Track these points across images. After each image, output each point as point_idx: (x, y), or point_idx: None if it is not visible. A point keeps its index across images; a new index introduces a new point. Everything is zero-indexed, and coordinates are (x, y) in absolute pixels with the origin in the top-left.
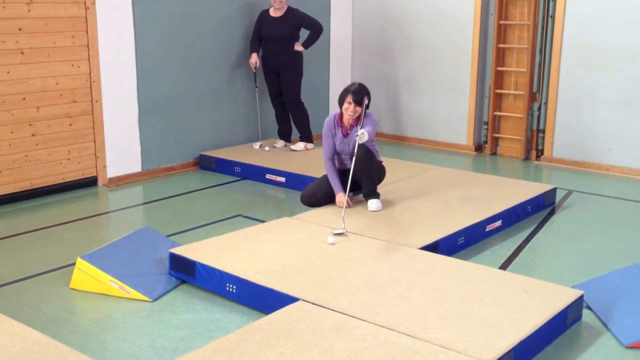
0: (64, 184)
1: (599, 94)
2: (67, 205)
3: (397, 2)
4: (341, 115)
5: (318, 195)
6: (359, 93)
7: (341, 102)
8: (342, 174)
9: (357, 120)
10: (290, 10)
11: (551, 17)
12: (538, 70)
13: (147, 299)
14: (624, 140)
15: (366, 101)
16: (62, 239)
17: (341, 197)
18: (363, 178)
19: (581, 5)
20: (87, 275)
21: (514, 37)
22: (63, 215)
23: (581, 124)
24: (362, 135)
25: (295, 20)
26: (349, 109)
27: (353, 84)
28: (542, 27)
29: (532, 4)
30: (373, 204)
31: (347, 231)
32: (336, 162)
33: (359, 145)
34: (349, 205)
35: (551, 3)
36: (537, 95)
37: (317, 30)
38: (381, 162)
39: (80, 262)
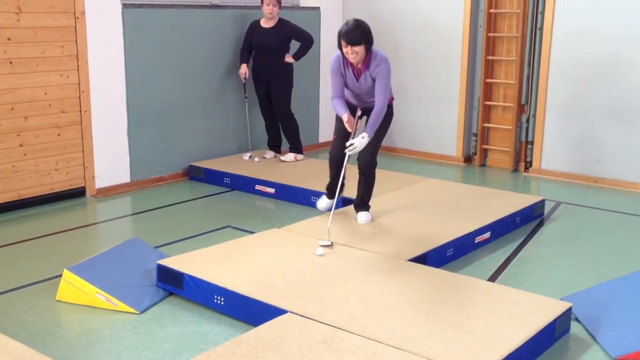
0: (51, 194)
1: (587, 106)
2: (54, 216)
3: (386, 14)
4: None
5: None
6: (349, 33)
7: (340, 47)
8: (352, 113)
9: (367, 63)
10: (281, 22)
11: (539, 29)
12: (526, 83)
13: (134, 311)
14: (611, 151)
15: (361, 43)
16: (49, 250)
17: (347, 119)
18: (358, 189)
19: (568, 18)
20: (73, 287)
21: (503, 49)
22: (50, 226)
23: (569, 136)
24: (351, 147)
25: (286, 31)
26: (349, 53)
27: (346, 22)
28: (531, 40)
29: (521, 16)
30: (362, 216)
31: (332, 243)
32: (349, 96)
33: (361, 156)
34: (357, 128)
35: (539, 16)
36: (526, 107)
37: (308, 42)
38: (392, 102)
39: (67, 274)
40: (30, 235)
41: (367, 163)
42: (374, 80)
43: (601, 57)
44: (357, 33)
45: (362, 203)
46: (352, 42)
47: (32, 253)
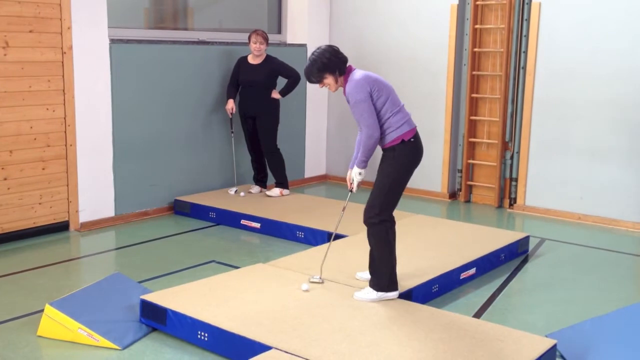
0: (35, 228)
1: (570, 143)
2: (37, 250)
3: (372, 51)
4: None
5: None
6: (307, 73)
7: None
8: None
9: (344, 87)
10: (269, 58)
11: (522, 68)
12: (510, 120)
13: (116, 347)
14: (594, 189)
15: (324, 77)
16: (31, 285)
17: (349, 174)
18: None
19: (551, 58)
20: (55, 323)
21: (487, 87)
22: (33, 261)
23: (553, 173)
24: (352, 187)
25: (273, 68)
26: (325, 87)
27: (309, 57)
28: (514, 78)
29: (504, 55)
30: (359, 294)
31: (323, 280)
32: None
33: (368, 231)
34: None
35: (522, 55)
36: (510, 144)
37: (295, 79)
38: (404, 140)
39: (49, 309)
40: (13, 270)
41: (366, 215)
42: None
43: (584, 95)
44: (314, 69)
45: (370, 275)
46: (312, 81)
47: (13, 288)
